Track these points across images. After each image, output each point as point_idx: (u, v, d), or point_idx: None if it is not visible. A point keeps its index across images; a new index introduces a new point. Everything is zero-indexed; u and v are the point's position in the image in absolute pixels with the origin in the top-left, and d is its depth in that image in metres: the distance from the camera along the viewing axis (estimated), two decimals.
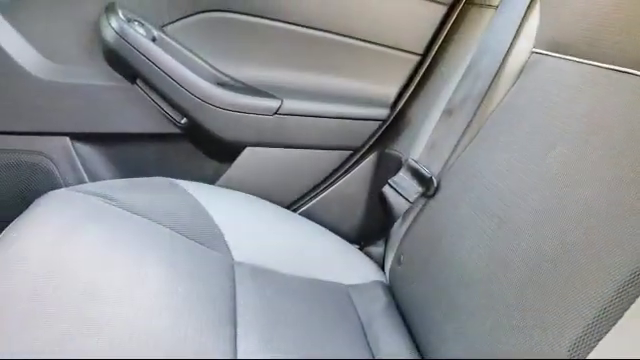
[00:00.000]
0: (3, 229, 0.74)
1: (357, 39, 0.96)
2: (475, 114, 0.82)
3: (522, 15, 0.82)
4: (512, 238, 0.61)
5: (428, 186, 0.82)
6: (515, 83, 0.78)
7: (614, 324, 0.46)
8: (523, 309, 0.55)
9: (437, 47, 0.96)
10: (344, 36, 0.96)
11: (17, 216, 0.76)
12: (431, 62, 0.96)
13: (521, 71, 0.78)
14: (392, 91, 0.99)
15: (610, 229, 0.50)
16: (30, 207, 0.76)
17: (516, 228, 0.61)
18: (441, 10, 0.93)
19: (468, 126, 0.82)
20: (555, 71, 0.71)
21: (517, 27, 0.82)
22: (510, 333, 0.55)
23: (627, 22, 0.62)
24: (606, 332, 0.46)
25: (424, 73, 0.97)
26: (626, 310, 0.45)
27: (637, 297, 0.45)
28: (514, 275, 0.58)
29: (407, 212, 0.85)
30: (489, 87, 0.81)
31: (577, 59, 0.68)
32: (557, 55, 0.72)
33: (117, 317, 0.57)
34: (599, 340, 0.46)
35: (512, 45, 0.81)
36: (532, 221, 0.59)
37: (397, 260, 0.84)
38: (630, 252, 0.47)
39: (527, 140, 0.69)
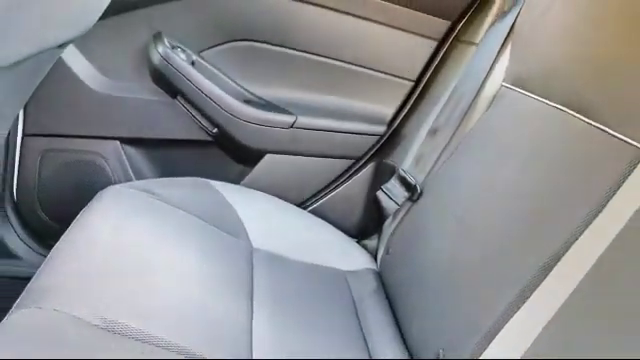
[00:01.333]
0: (64, 213, 0.93)
1: (361, 66, 1.14)
2: (454, 134, 0.99)
3: (496, 53, 0.99)
4: (466, 236, 0.79)
5: (413, 192, 0.99)
6: (487, 110, 0.95)
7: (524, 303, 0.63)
8: (471, 289, 0.73)
9: (428, 75, 1.14)
10: (349, 63, 1.14)
11: (75, 203, 0.95)
12: (422, 88, 1.14)
13: (492, 101, 0.95)
14: (389, 111, 1.17)
15: (528, 233, 0.68)
16: (93, 200, 0.94)
17: (469, 229, 0.79)
18: (432, 45, 1.11)
19: (448, 144, 0.99)
20: (515, 104, 0.88)
21: (491, 63, 0.99)
22: (460, 309, 0.73)
23: (576, 70, 0.78)
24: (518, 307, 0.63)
25: (416, 97, 1.15)
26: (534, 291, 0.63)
27: (541, 282, 0.62)
28: (466, 264, 0.76)
29: (396, 213, 1.03)
30: (466, 112, 0.98)
31: (532, 95, 0.84)
32: (518, 90, 0.89)
33: (163, 285, 0.76)
34: (516, 312, 0.64)
35: (486, 78, 0.98)
36: (481, 224, 0.77)
37: (386, 251, 1.02)
38: (540, 250, 0.64)
39: (489, 158, 0.86)
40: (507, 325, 0.64)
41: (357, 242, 1.14)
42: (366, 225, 1.17)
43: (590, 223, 0.61)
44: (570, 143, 0.72)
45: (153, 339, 0.63)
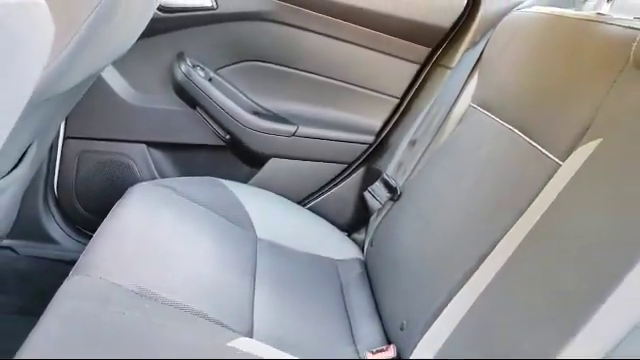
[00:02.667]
0: (97, 205, 1.11)
1: (353, 85, 1.32)
2: (429, 145, 1.16)
3: (466, 77, 1.16)
4: (429, 233, 0.97)
5: (394, 194, 1.17)
6: (457, 126, 1.12)
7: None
8: (427, 275, 0.90)
9: (411, 94, 1.31)
10: (344, 82, 1.32)
11: (107, 197, 1.13)
12: (406, 104, 1.31)
13: (461, 118, 1.12)
14: (377, 123, 1.34)
15: (473, 232, 0.85)
16: (125, 195, 1.12)
17: (432, 227, 0.97)
18: (415, 68, 1.29)
19: (424, 153, 1.16)
20: (479, 122, 1.05)
21: (462, 85, 1.16)
22: (419, 291, 0.90)
23: (522, 97, 0.95)
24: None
25: (401, 112, 1.32)
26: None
27: (477, 270, 0.79)
28: (427, 256, 0.94)
29: (379, 211, 1.20)
30: (440, 127, 1.16)
31: (491, 115, 1.01)
32: (482, 110, 1.06)
33: (182, 264, 0.94)
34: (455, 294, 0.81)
35: (457, 98, 1.15)
36: (441, 224, 0.95)
37: (370, 244, 1.20)
38: (479, 245, 0.81)
39: (454, 169, 1.04)
40: (449, 304, 0.81)
41: (347, 235, 1.32)
42: (355, 221, 1.35)
43: (514, 224, 0.78)
44: (513, 158, 0.90)
45: (175, 304, 0.82)
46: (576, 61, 0.85)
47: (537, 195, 0.77)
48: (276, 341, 0.85)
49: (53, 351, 0.66)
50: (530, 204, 0.77)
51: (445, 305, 0.81)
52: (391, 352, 0.88)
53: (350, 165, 1.37)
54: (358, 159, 1.36)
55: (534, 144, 0.84)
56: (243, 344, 0.80)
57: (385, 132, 1.34)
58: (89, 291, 0.79)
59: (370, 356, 0.87)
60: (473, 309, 0.76)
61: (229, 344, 0.77)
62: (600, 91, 0.76)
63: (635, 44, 0.69)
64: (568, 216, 0.69)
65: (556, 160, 0.78)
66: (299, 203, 1.36)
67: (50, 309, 0.75)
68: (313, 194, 1.38)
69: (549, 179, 0.77)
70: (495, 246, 0.79)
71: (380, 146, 1.35)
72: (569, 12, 1.00)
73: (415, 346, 0.84)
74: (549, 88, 0.90)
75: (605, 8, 0.99)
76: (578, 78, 0.83)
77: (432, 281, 0.88)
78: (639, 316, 0.54)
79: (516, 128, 0.92)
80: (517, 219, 0.78)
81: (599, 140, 0.71)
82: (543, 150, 0.81)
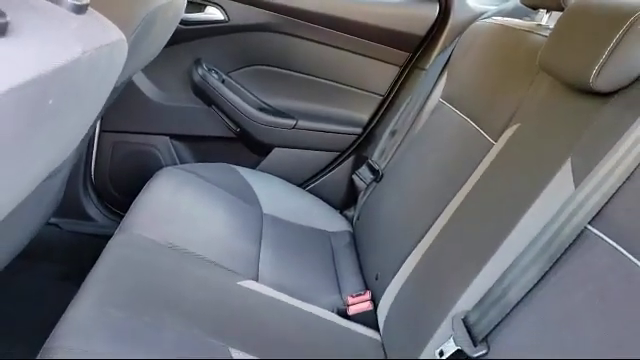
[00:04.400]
0: (128, 188, 1.33)
1: (344, 84, 1.55)
2: (407, 135, 1.39)
3: (437, 77, 1.38)
4: (402, 204, 1.19)
5: (377, 176, 1.39)
6: (429, 118, 1.34)
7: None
8: (397, 238, 1.13)
9: (393, 92, 1.53)
10: (336, 82, 1.55)
11: (135, 181, 1.35)
12: (390, 100, 1.54)
13: (432, 112, 1.34)
14: (365, 117, 1.57)
15: (432, 203, 1.07)
16: (153, 177, 1.35)
17: (405, 200, 1.19)
18: (396, 70, 1.51)
19: (402, 141, 1.39)
20: (444, 115, 1.27)
21: (433, 84, 1.38)
22: (390, 251, 1.13)
23: (475, 93, 1.17)
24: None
25: (385, 107, 1.55)
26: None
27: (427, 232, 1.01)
28: (398, 222, 1.16)
29: (365, 190, 1.43)
30: (415, 119, 1.38)
31: (454, 108, 1.23)
32: (447, 104, 1.28)
33: (203, 230, 1.18)
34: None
35: (430, 94, 1.37)
36: (412, 198, 1.17)
37: (357, 218, 1.42)
38: (434, 213, 1.04)
39: (425, 154, 1.26)
40: (409, 256, 1.04)
41: (340, 212, 1.55)
42: (346, 200, 1.58)
43: (459, 190, 1.00)
44: (463, 140, 1.12)
45: (198, 255, 1.05)
46: (511, 64, 1.08)
47: (477, 167, 1.00)
48: (276, 287, 1.08)
49: (108, 282, 0.90)
50: (471, 174, 1.00)
51: (407, 257, 1.04)
52: (367, 295, 1.11)
53: (342, 153, 1.60)
54: (349, 148, 1.59)
55: (478, 128, 1.06)
56: (250, 284, 1.03)
57: (372, 125, 1.57)
58: (131, 243, 1.03)
59: (350, 300, 1.10)
60: (422, 259, 0.98)
61: (239, 283, 1.01)
62: (523, 88, 0.98)
63: (540, 51, 0.91)
64: (491, 182, 0.92)
65: (491, 140, 1.00)
66: (299, 185, 1.59)
67: (103, 257, 0.98)
68: (311, 178, 1.61)
69: (485, 155, 0.99)
70: (445, 208, 1.01)
71: (367, 136, 1.58)
72: (517, 22, 1.21)
73: (384, 291, 1.07)
74: (491, 85, 1.12)
75: (544, 19, 1.20)
76: (511, 77, 1.05)
77: (399, 239, 1.11)
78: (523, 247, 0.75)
79: (467, 117, 1.14)
80: (461, 186, 1.00)
81: (518, 124, 0.94)
82: (483, 133, 1.04)
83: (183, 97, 1.56)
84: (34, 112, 0.38)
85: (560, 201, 0.72)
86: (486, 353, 0.72)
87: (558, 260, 0.69)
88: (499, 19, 1.30)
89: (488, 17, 1.37)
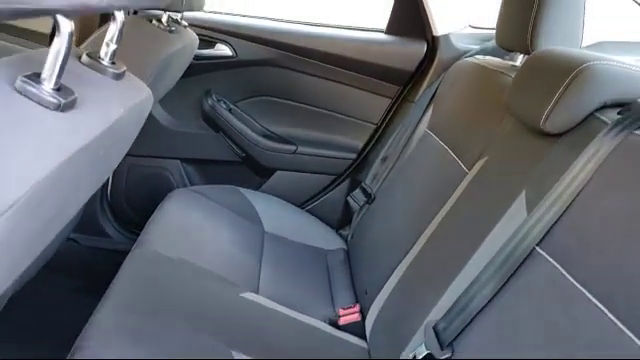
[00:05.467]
0: (142, 208, 1.47)
1: (340, 114, 1.69)
2: (397, 161, 1.52)
3: (424, 109, 1.52)
4: (389, 222, 1.32)
5: (369, 198, 1.52)
6: (415, 147, 1.48)
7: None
8: (384, 255, 1.25)
9: (386, 121, 1.67)
10: (333, 111, 1.69)
11: (149, 201, 1.49)
12: (382, 129, 1.68)
13: (420, 141, 1.48)
14: (359, 143, 1.70)
15: (415, 220, 1.20)
16: (166, 198, 1.49)
17: (392, 219, 1.32)
18: (388, 101, 1.65)
19: (392, 167, 1.52)
20: (429, 144, 1.39)
21: (421, 115, 1.51)
22: (378, 267, 1.25)
23: (455, 124, 1.30)
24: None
25: (378, 135, 1.68)
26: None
27: (412, 247, 1.14)
28: (385, 240, 1.29)
29: (359, 211, 1.55)
30: (404, 147, 1.51)
31: (436, 137, 1.37)
32: (432, 134, 1.41)
33: (210, 246, 1.31)
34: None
35: (417, 125, 1.51)
36: (399, 217, 1.30)
37: (351, 237, 1.55)
38: (418, 229, 1.17)
39: (411, 178, 1.39)
40: (394, 272, 1.16)
41: (336, 231, 1.67)
42: (342, 220, 1.71)
43: (437, 214, 1.13)
44: (443, 167, 1.25)
45: (205, 269, 1.18)
46: (485, 101, 1.21)
47: (452, 193, 1.12)
48: (274, 299, 1.20)
49: (128, 291, 1.03)
50: (448, 199, 1.13)
51: (392, 273, 1.16)
52: (356, 308, 1.23)
53: (338, 176, 1.73)
54: (344, 172, 1.73)
55: (455, 157, 1.19)
56: (251, 296, 1.16)
57: (366, 151, 1.70)
58: (147, 258, 1.16)
59: (341, 311, 1.22)
60: (404, 275, 1.11)
61: (241, 294, 1.14)
62: (494, 124, 1.11)
63: (507, 91, 1.04)
64: (462, 207, 1.04)
65: (465, 169, 1.13)
66: (298, 206, 1.72)
67: (122, 269, 1.11)
68: (309, 199, 1.75)
69: (460, 182, 1.12)
70: (425, 230, 1.14)
71: (361, 161, 1.71)
72: (494, 62, 1.35)
73: (372, 304, 1.19)
74: (468, 119, 1.25)
75: (519, 60, 1.34)
76: (485, 114, 1.18)
77: (386, 257, 1.23)
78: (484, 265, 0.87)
79: (447, 146, 1.27)
80: (439, 210, 1.13)
81: (487, 157, 1.07)
82: (460, 162, 1.17)
83: (194, 124, 1.70)
84: (93, 161, 0.51)
85: (515, 226, 0.84)
86: (451, 356, 0.84)
87: (511, 277, 0.81)
88: (480, 58, 1.43)
89: (471, 55, 1.51)
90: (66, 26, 0.46)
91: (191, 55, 1.41)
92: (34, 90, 0.46)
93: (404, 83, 1.63)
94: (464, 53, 1.55)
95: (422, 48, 1.59)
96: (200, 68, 1.64)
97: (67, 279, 1.65)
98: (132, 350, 0.89)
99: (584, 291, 0.70)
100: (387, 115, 1.67)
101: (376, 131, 1.69)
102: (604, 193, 0.75)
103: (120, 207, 1.74)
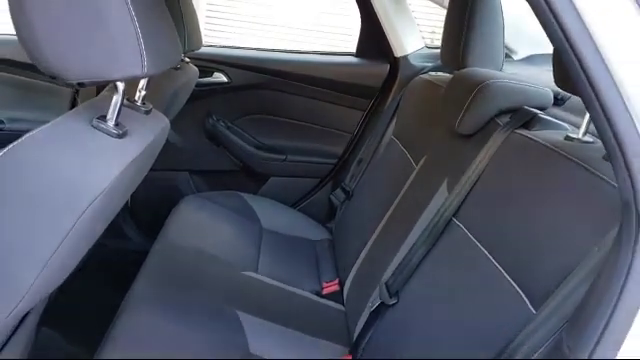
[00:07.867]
0: (156, 213, 1.78)
1: (322, 126, 2.00)
2: (369, 163, 1.82)
3: (389, 119, 1.82)
4: (365, 215, 1.62)
5: (348, 195, 1.82)
6: (383, 151, 1.78)
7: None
8: (355, 237, 1.55)
9: (360, 131, 1.98)
10: (317, 124, 2.00)
11: (164, 208, 1.80)
12: (358, 137, 1.98)
13: (387, 146, 1.78)
14: (339, 150, 2.01)
15: (377, 210, 1.51)
16: (179, 204, 1.80)
17: (367, 212, 1.62)
18: (361, 114, 1.97)
19: (366, 168, 1.82)
20: (393, 148, 1.70)
21: (387, 124, 1.82)
22: (359, 251, 1.55)
23: (413, 132, 1.60)
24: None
25: (355, 142, 1.99)
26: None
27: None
28: (362, 229, 1.59)
29: (340, 207, 1.85)
30: (374, 151, 1.81)
31: (397, 142, 1.67)
32: (395, 140, 1.71)
33: (217, 239, 1.61)
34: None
35: (385, 132, 1.81)
36: (373, 210, 1.60)
37: (335, 228, 1.85)
38: (379, 215, 1.47)
39: (378, 178, 1.69)
40: (362, 252, 1.46)
41: (322, 225, 1.97)
42: (327, 215, 2.01)
43: (393, 201, 1.43)
44: (399, 163, 1.55)
45: (215, 256, 1.49)
46: (431, 111, 1.51)
47: (404, 184, 1.42)
48: (270, 276, 1.51)
49: (156, 273, 1.33)
50: (402, 188, 1.43)
51: (361, 252, 1.46)
52: (336, 282, 1.53)
53: (323, 179, 2.05)
54: (327, 175, 2.04)
55: (410, 158, 1.49)
56: (252, 274, 1.46)
57: (345, 156, 2.01)
58: (168, 250, 1.47)
59: (325, 284, 1.52)
60: (369, 252, 1.41)
61: (243, 272, 1.44)
62: (434, 128, 1.42)
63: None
64: (409, 193, 1.35)
65: (413, 164, 1.43)
66: (290, 206, 2.03)
67: (149, 257, 1.42)
68: (299, 199, 2.06)
69: (410, 175, 1.42)
70: (385, 215, 1.44)
71: (341, 165, 2.02)
72: (442, 77, 1.65)
73: (347, 277, 1.49)
74: (419, 126, 1.56)
75: None
76: (429, 121, 1.49)
77: (357, 241, 1.53)
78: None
79: (405, 149, 1.57)
80: (396, 198, 1.43)
81: (426, 155, 1.37)
82: (411, 160, 1.47)
83: (198, 141, 2.02)
84: (135, 171, 0.81)
85: (440, 203, 1.14)
86: (397, 302, 1.14)
87: (437, 241, 1.11)
88: (433, 74, 1.74)
89: (426, 72, 1.81)
90: (120, 87, 0.77)
91: (193, 85, 1.73)
92: (104, 126, 0.76)
93: (374, 98, 1.94)
94: (421, 70, 1.86)
95: (386, 68, 1.90)
96: (201, 94, 1.94)
97: (97, 274, 1.95)
98: (162, 313, 1.19)
99: (484, 250, 0.97)
100: (361, 125, 1.98)
101: (352, 139, 2.00)
102: (495, 175, 1.06)
103: (139, 213, 2.04)
